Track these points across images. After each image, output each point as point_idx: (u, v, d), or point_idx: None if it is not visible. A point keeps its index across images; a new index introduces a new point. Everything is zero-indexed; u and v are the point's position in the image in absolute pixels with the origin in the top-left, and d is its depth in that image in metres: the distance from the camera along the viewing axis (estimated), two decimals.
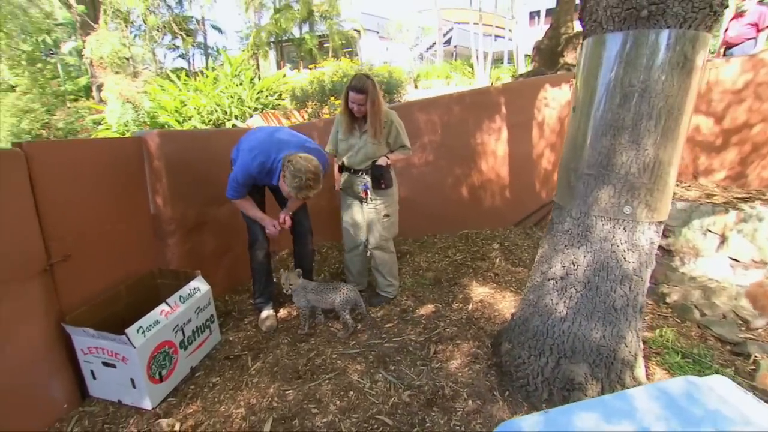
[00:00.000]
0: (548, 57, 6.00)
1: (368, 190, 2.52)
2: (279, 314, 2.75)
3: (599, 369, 1.78)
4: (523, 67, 12.55)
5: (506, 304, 2.62)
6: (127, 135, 3.08)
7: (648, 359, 2.01)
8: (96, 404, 1.98)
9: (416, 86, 12.82)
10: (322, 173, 2.15)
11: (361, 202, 2.59)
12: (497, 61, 16.84)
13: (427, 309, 2.65)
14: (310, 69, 10.12)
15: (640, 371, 1.81)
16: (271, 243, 2.76)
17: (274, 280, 2.92)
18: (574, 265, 1.83)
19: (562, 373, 1.83)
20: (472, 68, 13.79)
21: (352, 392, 1.96)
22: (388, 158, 2.48)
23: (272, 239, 2.64)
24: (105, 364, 1.91)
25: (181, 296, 2.22)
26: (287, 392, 1.99)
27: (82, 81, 12.84)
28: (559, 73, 5.38)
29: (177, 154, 2.63)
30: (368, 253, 2.72)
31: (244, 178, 2.27)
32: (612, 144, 1.65)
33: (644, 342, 2.09)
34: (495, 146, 3.67)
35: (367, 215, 2.61)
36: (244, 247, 2.67)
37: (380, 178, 2.48)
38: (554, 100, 3.56)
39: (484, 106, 3.61)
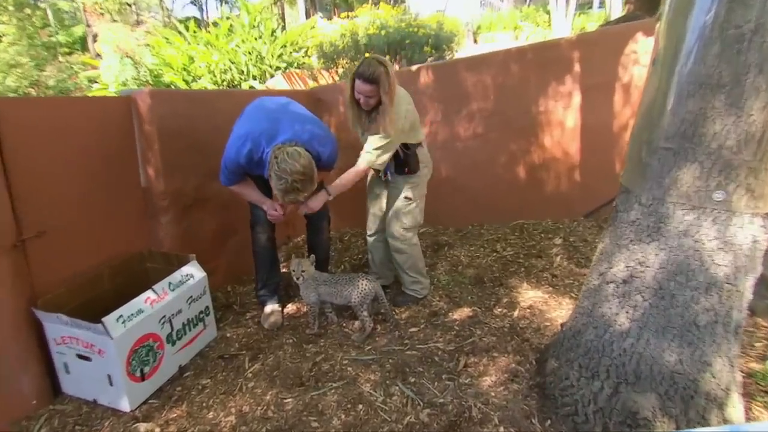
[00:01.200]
0: None
1: (389, 174, 2.59)
2: (286, 310, 2.83)
3: (673, 403, 1.66)
4: (619, 11, 11.79)
5: (561, 313, 2.59)
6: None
7: (752, 398, 1.87)
8: (69, 402, 2.04)
9: (475, 40, 12.43)
10: (315, 171, 2.16)
11: (385, 185, 2.68)
12: (584, 5, 15.85)
13: (462, 313, 2.67)
14: (342, 18, 10.02)
15: (734, 412, 1.66)
16: (282, 228, 2.82)
17: (283, 269, 3.01)
18: (641, 266, 1.74)
19: (621, 404, 1.75)
20: (549, 16, 13.08)
21: (361, 406, 1.98)
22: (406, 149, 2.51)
23: (280, 224, 2.67)
24: (79, 356, 1.95)
25: (170, 283, 2.24)
26: (286, 401, 2.04)
27: (78, 31, 12.68)
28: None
29: (173, 117, 2.70)
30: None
31: (233, 166, 2.32)
32: (701, 108, 1.51)
33: (748, 375, 1.96)
34: (563, 115, 3.56)
35: (387, 196, 2.67)
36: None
37: (404, 164, 2.53)
38: (647, 55, 3.32)
39: (551, 63, 3.48)
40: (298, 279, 2.45)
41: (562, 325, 2.20)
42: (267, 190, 2.47)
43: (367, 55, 6.69)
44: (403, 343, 2.41)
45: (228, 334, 2.61)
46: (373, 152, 2.40)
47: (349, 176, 2.44)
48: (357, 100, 2.35)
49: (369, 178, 2.74)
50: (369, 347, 2.40)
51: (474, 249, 3.54)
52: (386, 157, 2.41)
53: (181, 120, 2.78)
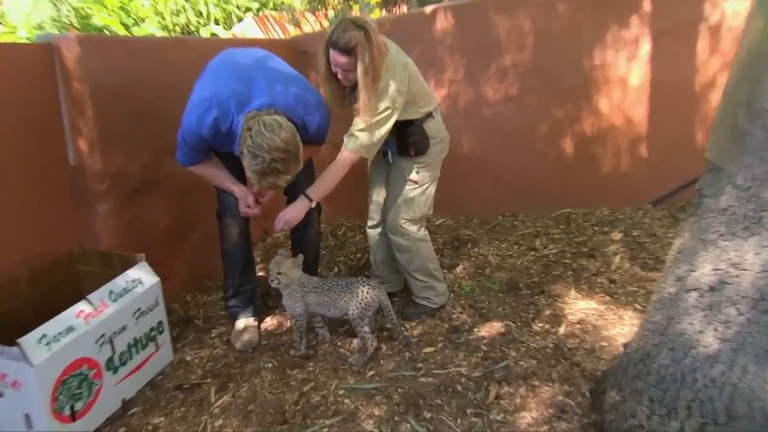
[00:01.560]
0: None
1: (390, 154, 2.67)
2: (263, 325, 2.88)
3: None
4: None
5: (623, 330, 2.59)
6: None
7: None
8: None
9: None
10: (300, 147, 2.18)
11: (387, 167, 2.75)
12: None
13: (491, 328, 2.69)
14: None
15: None
16: (258, 219, 2.89)
17: (260, 272, 3.06)
18: (735, 269, 1.69)
19: None
20: None
21: None
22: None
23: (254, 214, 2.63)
24: None
25: (111, 291, 2.26)
26: None
27: None
28: None
29: (111, 73, 2.68)
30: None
31: (194, 140, 2.33)
32: None
33: None
34: (626, 70, 3.52)
35: (389, 178, 2.72)
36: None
37: (408, 145, 2.57)
38: None
39: (611, 0, 3.41)
40: (273, 283, 2.47)
41: (625, 345, 2.17)
42: (239, 171, 2.50)
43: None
44: (416, 367, 2.43)
45: (188, 358, 2.61)
46: (359, 134, 2.40)
47: (331, 172, 2.45)
48: (334, 74, 2.37)
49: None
50: (372, 373, 2.41)
51: (506, 246, 3.53)
52: (378, 138, 2.42)
53: (122, 77, 2.76)
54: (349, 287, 2.48)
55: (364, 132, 2.39)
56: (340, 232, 4.01)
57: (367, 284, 2.48)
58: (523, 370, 2.34)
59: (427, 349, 2.55)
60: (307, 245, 2.80)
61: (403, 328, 2.67)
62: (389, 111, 2.37)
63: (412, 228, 2.70)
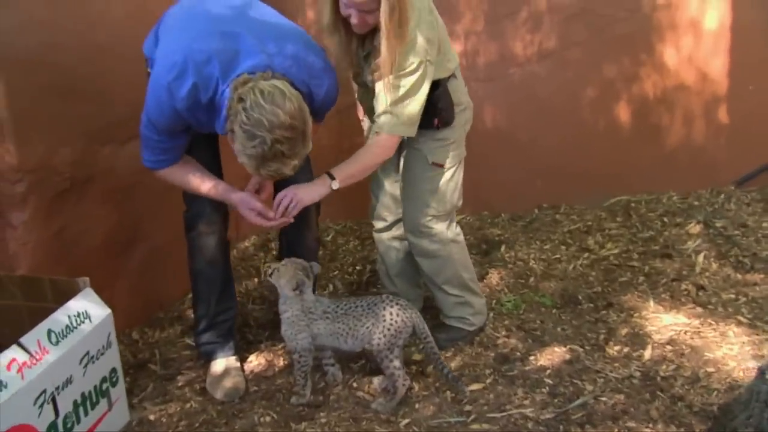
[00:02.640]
0: None
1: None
2: (246, 366, 2.85)
3: None
4: None
5: (732, 351, 2.60)
6: None
7: None
8: None
9: None
10: (309, 122, 2.14)
11: (400, 149, 2.72)
12: None
13: (552, 355, 2.72)
14: None
15: None
16: (230, 222, 2.77)
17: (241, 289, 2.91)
18: None
19: None
20: None
21: None
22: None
23: (239, 218, 2.68)
24: None
25: (51, 331, 2.15)
26: None
27: None
28: None
29: (24, 32, 2.60)
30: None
31: (166, 122, 2.27)
32: None
33: None
34: (699, 11, 3.51)
35: (402, 165, 2.73)
36: (174, 232, 2.76)
37: (434, 112, 2.54)
38: None
39: None
40: (296, 290, 2.50)
41: (762, 370, 2.13)
42: (212, 158, 2.51)
43: None
44: (463, 411, 2.43)
45: (151, 416, 2.55)
46: (396, 110, 2.40)
47: (368, 154, 2.49)
48: (344, 18, 2.34)
49: (368, 131, 2.82)
50: (406, 421, 2.40)
51: (550, 248, 3.57)
52: (419, 106, 2.43)
53: (40, 36, 2.65)
54: (371, 309, 2.47)
55: (402, 104, 2.37)
56: (328, 239, 3.99)
57: (396, 303, 2.48)
58: (609, 408, 2.33)
59: (474, 387, 2.55)
60: (303, 256, 2.73)
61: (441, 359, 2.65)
62: (422, 67, 2.33)
63: (441, 226, 2.71)
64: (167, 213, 2.86)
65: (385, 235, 2.91)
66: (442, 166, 2.63)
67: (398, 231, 2.87)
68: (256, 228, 3.86)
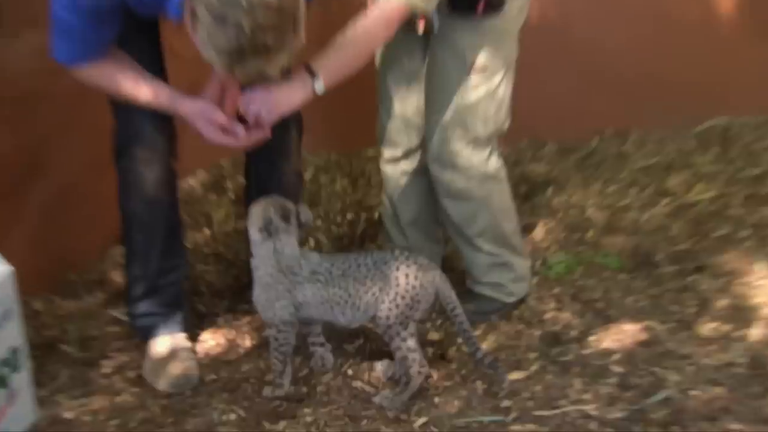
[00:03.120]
0: None
1: (432, 16, 2.57)
2: (201, 346, 2.90)
3: None
4: None
5: None
6: None
7: None
8: None
9: None
10: (302, 4, 2.15)
11: (423, 48, 2.74)
12: None
13: (620, 335, 2.75)
14: None
15: None
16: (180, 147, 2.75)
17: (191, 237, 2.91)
18: None
19: None
20: None
21: None
22: None
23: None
24: None
25: None
26: None
27: None
28: None
29: None
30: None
31: (89, 2, 2.25)
32: None
33: None
34: None
35: (428, 68, 2.74)
36: (94, 160, 2.82)
37: None
38: None
39: None
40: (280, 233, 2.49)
41: None
42: (152, 54, 2.53)
43: None
44: (500, 407, 2.44)
45: (67, 414, 2.56)
46: None
47: (359, 38, 2.45)
48: None
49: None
50: (422, 420, 2.41)
51: (616, 190, 3.57)
52: None
53: None
54: (379, 269, 2.46)
55: None
56: (307, 177, 3.95)
57: (414, 261, 2.47)
58: (702, 405, 2.32)
59: (515, 375, 2.56)
60: (280, 194, 2.75)
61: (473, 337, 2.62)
62: None
63: (478, 156, 2.73)
64: (84, 133, 2.88)
65: (397, 168, 2.93)
66: (484, 70, 2.64)
67: (415, 162, 2.90)
68: (204, 159, 3.88)
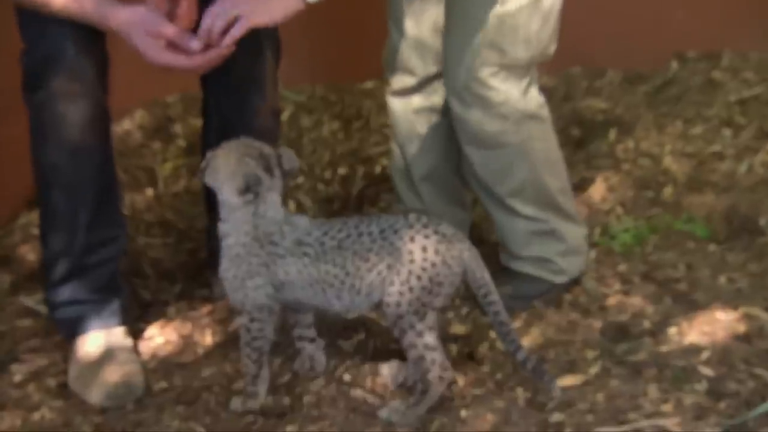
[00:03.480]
0: None
1: None
2: (148, 344, 2.95)
3: None
4: None
5: None
6: None
7: None
8: None
9: None
10: None
11: None
12: None
13: (710, 326, 2.77)
14: None
15: None
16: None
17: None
18: None
19: None
20: None
21: None
22: None
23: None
24: None
25: None
26: None
27: None
28: None
29: None
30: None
31: None
32: None
33: None
34: None
35: None
36: None
37: None
38: None
39: None
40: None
41: None
42: None
43: None
44: (548, 422, 2.46)
45: None
46: None
47: None
48: None
49: None
50: None
51: (702, 132, 3.58)
52: None
53: None
54: (387, 240, 2.46)
55: None
56: (284, 118, 3.90)
57: (432, 230, 2.46)
58: None
59: (568, 381, 2.57)
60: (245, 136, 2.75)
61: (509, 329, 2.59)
62: None
63: (516, 89, 2.76)
64: None
65: (409, 104, 2.95)
66: None
67: (432, 97, 2.91)
68: (145, 94, 3.92)
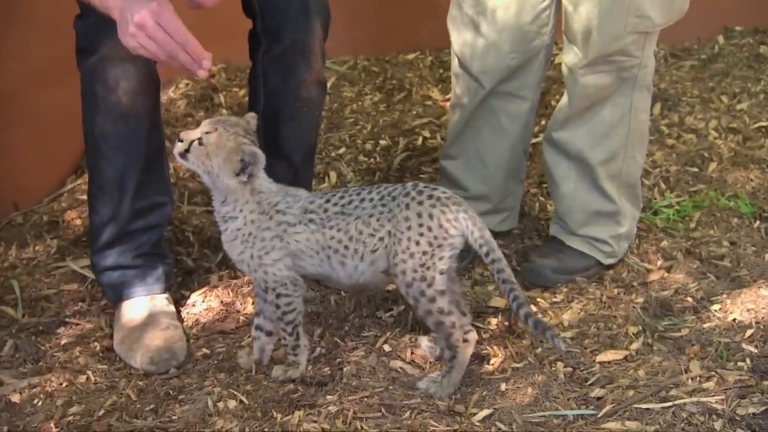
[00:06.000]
0: None
1: None
2: (191, 311, 2.99)
3: None
4: None
5: None
6: None
7: None
8: None
9: None
10: None
11: None
12: None
13: (755, 302, 2.78)
14: None
15: None
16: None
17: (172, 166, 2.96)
18: None
19: None
20: None
21: None
22: None
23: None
24: None
25: None
26: None
27: None
28: None
29: None
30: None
31: None
32: None
33: None
34: None
35: None
36: (44, 59, 2.91)
37: None
38: None
39: None
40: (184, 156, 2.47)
41: None
42: None
43: None
44: (589, 397, 2.48)
45: (13, 397, 2.62)
46: None
47: None
48: None
49: None
50: (484, 413, 2.43)
51: (747, 107, 3.58)
52: None
53: None
54: (387, 207, 2.51)
55: None
56: (328, 88, 3.85)
57: (426, 195, 2.49)
58: None
59: (609, 356, 2.60)
60: (294, 111, 2.80)
61: (528, 308, 2.61)
62: None
63: (645, 53, 2.78)
64: (30, 25, 2.91)
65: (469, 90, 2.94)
66: None
67: (512, 62, 2.89)
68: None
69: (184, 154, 2.45)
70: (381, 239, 2.47)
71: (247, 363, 2.63)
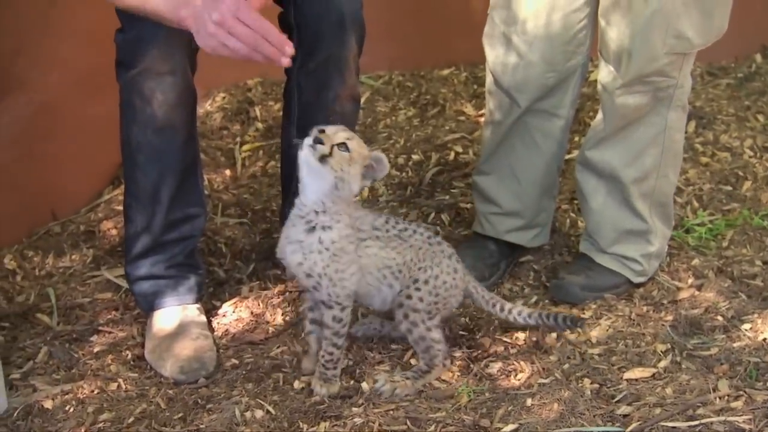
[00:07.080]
0: None
1: None
2: (221, 321, 2.99)
3: None
4: None
5: None
6: None
7: None
8: None
9: None
10: None
11: None
12: None
13: None
14: None
15: None
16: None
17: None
18: None
19: None
20: None
21: None
22: None
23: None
24: None
25: None
26: None
27: None
28: None
29: None
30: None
31: None
32: None
33: None
34: None
35: None
36: (83, 71, 2.91)
37: None
38: None
39: None
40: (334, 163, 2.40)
41: None
42: None
43: None
44: (615, 414, 2.44)
45: (46, 403, 2.63)
46: None
47: None
48: None
49: None
50: (510, 427, 2.42)
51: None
52: None
53: None
54: (431, 247, 2.62)
55: None
56: (362, 103, 3.79)
57: (457, 260, 2.66)
58: None
59: (636, 373, 2.58)
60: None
61: (562, 318, 2.75)
62: None
63: (682, 73, 2.79)
64: (69, 36, 2.93)
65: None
66: None
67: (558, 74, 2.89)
68: (226, 77, 3.96)
69: (326, 155, 2.37)
70: (421, 269, 2.54)
71: (310, 365, 2.67)
